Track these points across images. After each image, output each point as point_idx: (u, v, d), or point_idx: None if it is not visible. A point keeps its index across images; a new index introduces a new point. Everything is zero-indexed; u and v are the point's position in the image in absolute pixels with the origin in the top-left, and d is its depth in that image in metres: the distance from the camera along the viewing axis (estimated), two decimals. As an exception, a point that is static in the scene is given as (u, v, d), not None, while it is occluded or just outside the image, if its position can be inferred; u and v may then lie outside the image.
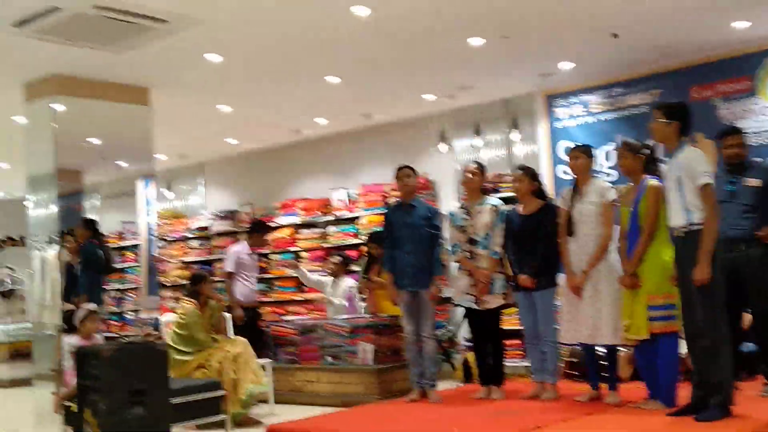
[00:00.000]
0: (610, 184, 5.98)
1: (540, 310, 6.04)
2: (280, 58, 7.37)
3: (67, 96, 7.49)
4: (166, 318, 7.64)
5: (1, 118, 8.70)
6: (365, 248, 8.65)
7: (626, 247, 5.46)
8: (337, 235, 10.42)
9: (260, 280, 10.23)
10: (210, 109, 9.09)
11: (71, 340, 6.08)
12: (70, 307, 6.98)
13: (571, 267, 5.77)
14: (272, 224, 11.02)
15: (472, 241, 6.29)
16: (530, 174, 6.22)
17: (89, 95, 7.63)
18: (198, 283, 7.16)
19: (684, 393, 5.22)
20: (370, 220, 9.94)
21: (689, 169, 4.90)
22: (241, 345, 6.88)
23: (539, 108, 9.08)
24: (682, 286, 4.99)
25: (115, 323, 12.15)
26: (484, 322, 6.34)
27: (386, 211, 6.96)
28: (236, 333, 7.55)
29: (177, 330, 6.92)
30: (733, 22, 7.01)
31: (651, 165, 5.60)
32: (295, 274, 9.54)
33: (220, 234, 11.84)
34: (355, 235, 10.16)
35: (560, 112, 8.91)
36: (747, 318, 6.08)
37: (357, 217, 10.26)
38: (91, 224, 8.34)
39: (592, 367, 5.93)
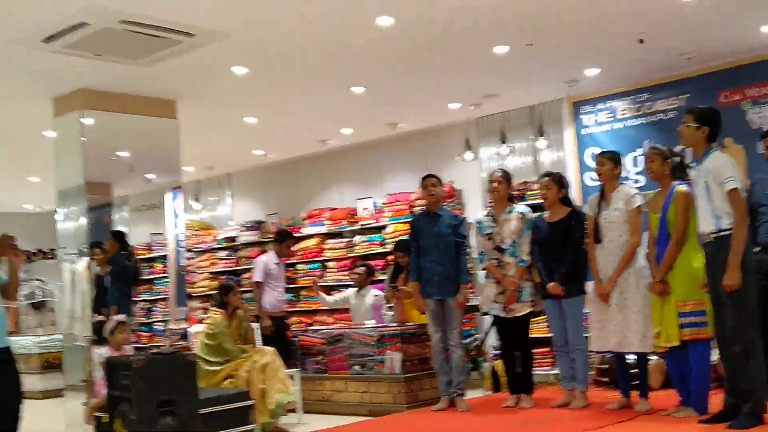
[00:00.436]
0: (637, 191, 5.93)
1: (569, 318, 6.01)
2: (305, 69, 7.41)
3: (96, 110, 7.57)
4: (195, 329, 7.68)
5: (32, 133, 8.82)
6: (391, 257, 8.64)
7: (655, 254, 5.41)
8: (363, 245, 10.42)
9: (287, 290, 10.27)
10: (236, 121, 9.16)
11: (101, 351, 6.13)
12: (100, 318, 7.05)
13: (599, 274, 5.74)
14: (299, 234, 11.08)
15: (499, 249, 6.28)
16: (558, 181, 6.19)
17: (117, 109, 7.71)
18: (226, 293, 7.19)
19: (716, 400, 5.17)
20: (396, 229, 9.93)
21: (717, 174, 4.85)
22: (269, 355, 6.90)
23: (565, 115, 9.04)
24: (713, 292, 4.94)
25: (145, 334, 12.22)
26: (512, 330, 6.31)
27: (412, 219, 6.96)
28: (264, 343, 7.57)
29: (205, 340, 6.96)
30: (761, 26, 6.93)
31: (679, 171, 5.56)
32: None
33: (247, 244, 11.89)
34: (382, 244, 10.15)
35: (587, 118, 8.87)
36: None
37: (383, 227, 10.26)
38: (120, 236, 8.40)
39: (622, 374, 5.88)
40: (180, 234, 8.88)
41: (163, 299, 12.08)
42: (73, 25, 5.92)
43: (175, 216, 8.79)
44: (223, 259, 12.18)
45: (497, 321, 6.41)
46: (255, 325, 7.57)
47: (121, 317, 6.41)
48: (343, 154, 11.09)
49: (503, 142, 9.48)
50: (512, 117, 9.44)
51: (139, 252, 12.05)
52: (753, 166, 7.12)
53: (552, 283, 5.99)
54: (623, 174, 7.66)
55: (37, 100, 7.68)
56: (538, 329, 7.43)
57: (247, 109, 8.79)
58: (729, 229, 4.79)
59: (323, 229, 10.92)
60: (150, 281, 12.30)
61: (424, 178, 6.59)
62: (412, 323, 7.63)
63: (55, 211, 8.04)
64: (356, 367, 7.57)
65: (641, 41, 7.03)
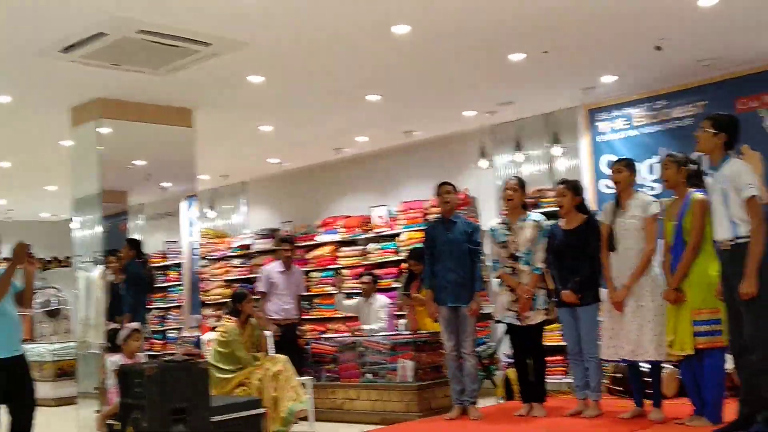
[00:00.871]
0: (653, 198, 5.89)
1: (584, 326, 5.98)
2: (320, 78, 7.42)
3: (112, 119, 7.61)
4: (208, 336, 7.69)
5: (49, 142, 8.88)
6: (405, 265, 8.62)
7: (671, 262, 5.37)
8: (377, 253, 10.41)
9: (302, 298, 10.24)
10: (252, 129, 9.18)
11: (114, 359, 6.14)
12: (114, 326, 7.07)
13: (613, 282, 5.70)
14: (311, 243, 11.13)
15: (513, 257, 6.26)
16: (573, 188, 6.17)
17: (134, 118, 7.75)
18: (239, 301, 7.20)
19: (730, 409, 5.11)
20: (410, 236, 9.92)
21: (735, 181, 4.81)
22: (281, 362, 6.90)
23: (581, 122, 9.00)
24: (729, 301, 4.89)
25: (158, 342, 12.26)
26: (526, 338, 6.28)
27: (427, 227, 6.95)
28: (277, 351, 7.56)
29: (218, 348, 6.96)
30: (779, 32, 6.89)
31: (695, 178, 5.52)
32: (334, 292, 9.51)
33: (261, 252, 11.91)
34: (396, 252, 10.14)
35: (602, 125, 8.82)
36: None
37: (397, 234, 10.25)
38: (135, 244, 8.44)
39: (635, 383, 5.83)
40: (194, 242, 8.91)
41: (177, 307, 12.11)
42: (91, 35, 5.96)
43: (190, 224, 8.83)
44: (237, 267, 12.21)
45: (511, 329, 6.38)
46: (268, 333, 7.55)
47: (135, 325, 6.42)
48: (358, 162, 11.10)
49: (518, 149, 9.45)
50: (527, 124, 9.41)
51: (153, 260, 12.10)
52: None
53: (567, 291, 5.95)
54: (639, 181, 7.64)
55: (54, 109, 7.73)
56: (552, 337, 7.38)
57: (263, 118, 8.81)
58: (746, 237, 4.74)
59: (337, 237, 10.92)
60: (164, 289, 12.35)
61: (438, 186, 6.59)
62: (424, 331, 7.61)
63: (71, 220, 8.08)
64: (369, 375, 7.55)
65: (658, 48, 6.99)
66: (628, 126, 8.61)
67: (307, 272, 11.02)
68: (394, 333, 7.99)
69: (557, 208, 6.30)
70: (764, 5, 6.18)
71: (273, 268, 8.62)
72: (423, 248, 6.81)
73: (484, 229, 7.03)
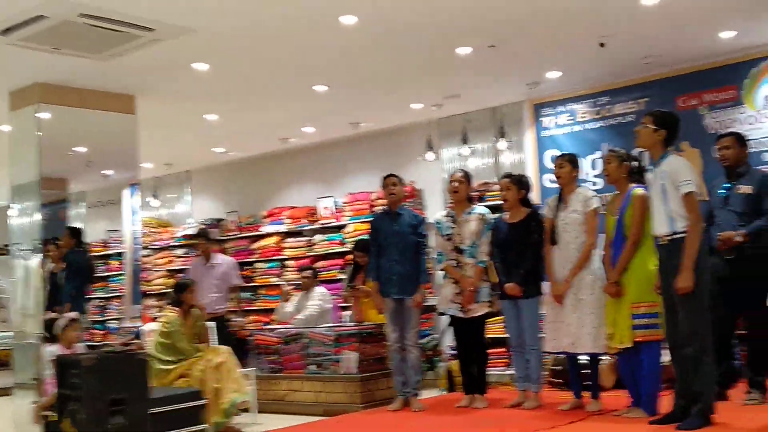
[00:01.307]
0: (595, 193, 5.98)
1: (526, 319, 6.04)
2: (267, 67, 7.35)
3: (53, 104, 7.44)
4: (149, 327, 7.57)
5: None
6: (351, 256, 8.61)
7: (611, 256, 5.46)
8: (323, 244, 10.39)
9: (245, 289, 10.17)
10: (197, 118, 9.05)
11: (52, 349, 6.01)
12: (52, 315, 6.92)
13: (555, 275, 5.77)
14: (257, 233, 11.05)
15: (458, 250, 6.29)
16: (518, 182, 6.22)
17: (74, 103, 7.57)
18: (182, 291, 7.09)
19: (666, 401, 5.22)
20: (356, 228, 9.92)
21: (673, 177, 4.91)
22: (224, 354, 6.82)
23: (526, 117, 9.09)
24: (666, 295, 4.99)
25: (99, 332, 12.05)
26: (469, 331, 6.33)
27: (373, 218, 6.95)
28: (220, 342, 7.47)
29: (160, 339, 6.86)
30: (719, 32, 7.03)
31: (637, 174, 5.61)
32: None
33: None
34: (341, 244, 10.13)
35: (547, 120, 8.92)
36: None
37: (343, 226, 10.24)
38: (75, 232, 8.27)
39: (574, 375, 5.92)
40: (137, 231, 8.78)
41: (118, 297, 11.92)
42: (31, 18, 5.80)
43: (132, 213, 8.69)
44: (180, 257, 12.06)
45: (454, 321, 6.42)
46: (210, 324, 7.47)
47: (73, 314, 6.29)
48: (305, 152, 11.04)
49: (464, 142, 9.50)
50: (474, 118, 9.46)
51: (94, 249, 11.91)
52: (709, 169, 7.22)
53: (510, 284, 6.01)
54: (581, 176, 7.75)
55: (-8, 93, 7.54)
56: (494, 330, 7.45)
57: (208, 106, 8.69)
58: (683, 232, 4.85)
59: (283, 228, 10.87)
60: (105, 278, 12.17)
61: (384, 178, 6.60)
62: (369, 323, 7.62)
63: (9, 207, 7.89)
64: (312, 367, 7.52)
65: (602, 45, 7.09)
66: (572, 121, 8.73)
67: (251, 263, 10.95)
68: (338, 325, 7.97)
69: (502, 202, 6.36)
70: (705, 5, 6.32)
71: (196, 262, 8.54)
72: (369, 240, 6.81)
73: (430, 222, 7.06)
